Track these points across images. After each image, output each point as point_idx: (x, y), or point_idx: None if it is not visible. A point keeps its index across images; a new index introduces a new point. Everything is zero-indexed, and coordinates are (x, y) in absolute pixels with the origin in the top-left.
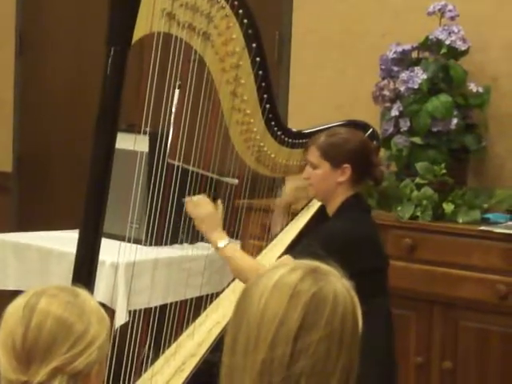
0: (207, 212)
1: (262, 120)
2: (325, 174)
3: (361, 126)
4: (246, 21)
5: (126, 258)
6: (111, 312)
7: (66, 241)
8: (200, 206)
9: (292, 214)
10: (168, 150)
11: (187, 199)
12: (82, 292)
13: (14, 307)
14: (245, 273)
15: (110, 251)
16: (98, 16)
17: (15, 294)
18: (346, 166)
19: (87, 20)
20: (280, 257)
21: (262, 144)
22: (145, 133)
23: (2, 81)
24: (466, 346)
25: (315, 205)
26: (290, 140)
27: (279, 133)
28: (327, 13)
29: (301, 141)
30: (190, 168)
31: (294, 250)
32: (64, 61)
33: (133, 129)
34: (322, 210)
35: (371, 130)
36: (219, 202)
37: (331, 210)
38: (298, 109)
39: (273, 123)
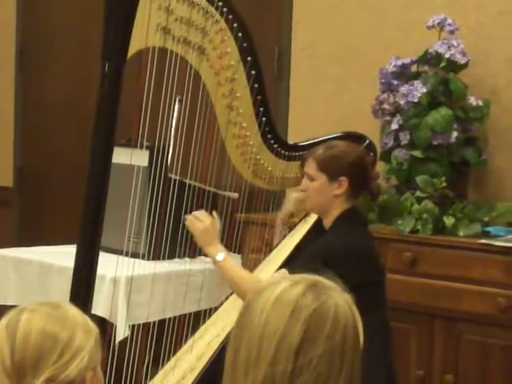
0: (204, 226)
1: (258, 133)
2: (321, 186)
3: (357, 138)
4: (240, 34)
5: (125, 272)
6: (111, 326)
7: (66, 255)
8: (198, 220)
9: (289, 227)
10: (167, 164)
11: (187, 215)
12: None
13: None
14: (242, 285)
15: (108, 265)
16: (98, 30)
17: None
18: (343, 178)
19: (87, 34)
20: (278, 270)
21: (258, 157)
22: (142, 147)
23: (2, 96)
24: (467, 359)
25: (312, 218)
26: (287, 153)
27: (276, 146)
28: (327, 27)
29: (297, 153)
30: (188, 181)
31: (292, 264)
32: (64, 75)
33: (131, 143)
34: (318, 224)
35: (368, 141)
36: (214, 213)
37: (327, 222)
38: (298, 123)
39: (269, 136)
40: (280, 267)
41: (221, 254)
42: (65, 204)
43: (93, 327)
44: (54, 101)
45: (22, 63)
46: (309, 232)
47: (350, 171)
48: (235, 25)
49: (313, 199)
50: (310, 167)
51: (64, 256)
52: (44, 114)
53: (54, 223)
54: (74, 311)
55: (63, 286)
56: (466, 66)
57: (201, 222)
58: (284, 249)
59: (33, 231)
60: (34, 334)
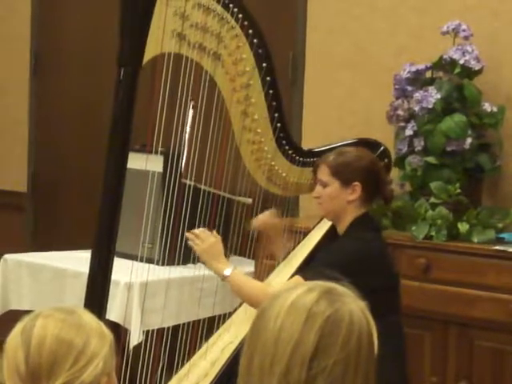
0: (207, 244)
1: (272, 139)
2: (335, 192)
3: (372, 144)
4: (256, 40)
5: (140, 277)
6: (125, 332)
7: (80, 261)
8: (199, 239)
9: (304, 234)
10: (182, 170)
11: (187, 234)
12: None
13: (13, 334)
14: (254, 296)
15: (123, 271)
16: (111, 35)
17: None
18: (356, 184)
19: (101, 40)
20: (291, 277)
21: (273, 163)
22: (157, 152)
23: (17, 101)
24: (482, 366)
25: (326, 224)
26: (301, 159)
27: (290, 152)
28: (341, 33)
29: (311, 159)
30: (202, 187)
31: (305, 270)
32: (78, 81)
33: (145, 149)
34: (332, 230)
35: (382, 148)
36: (215, 232)
37: (341, 228)
38: (312, 128)
39: (284, 142)
40: (294, 274)
41: (228, 269)
42: (78, 209)
43: (107, 333)
44: (67, 106)
45: (37, 70)
46: (322, 238)
47: (363, 176)
48: (250, 31)
49: (326, 205)
50: (323, 173)
51: (78, 261)
52: (58, 119)
53: (67, 228)
54: (89, 317)
55: (78, 291)
56: (480, 72)
57: (202, 240)
58: (298, 255)
59: (46, 236)
60: (49, 340)
